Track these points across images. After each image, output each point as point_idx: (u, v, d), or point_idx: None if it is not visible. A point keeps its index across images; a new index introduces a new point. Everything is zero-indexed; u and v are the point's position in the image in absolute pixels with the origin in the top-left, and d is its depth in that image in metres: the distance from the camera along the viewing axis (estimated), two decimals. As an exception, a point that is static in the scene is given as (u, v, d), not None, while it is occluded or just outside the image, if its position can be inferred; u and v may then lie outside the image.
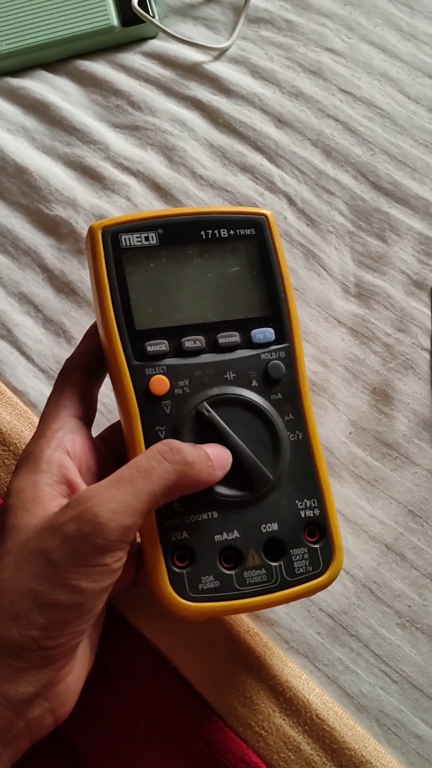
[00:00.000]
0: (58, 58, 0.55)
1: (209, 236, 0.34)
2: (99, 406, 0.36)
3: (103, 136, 0.51)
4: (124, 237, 0.33)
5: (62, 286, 0.47)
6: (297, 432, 0.33)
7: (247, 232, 0.35)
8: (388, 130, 0.51)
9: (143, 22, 0.54)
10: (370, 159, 0.50)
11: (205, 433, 0.31)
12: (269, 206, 0.49)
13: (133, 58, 0.55)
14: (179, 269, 0.34)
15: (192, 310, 0.33)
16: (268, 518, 0.32)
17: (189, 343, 0.33)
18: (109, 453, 0.34)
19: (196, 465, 0.29)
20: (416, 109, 0.52)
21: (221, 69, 0.54)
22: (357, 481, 0.42)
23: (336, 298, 0.46)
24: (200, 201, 0.49)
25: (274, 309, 0.34)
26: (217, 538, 0.31)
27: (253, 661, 0.36)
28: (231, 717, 0.35)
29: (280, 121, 0.52)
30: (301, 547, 0.32)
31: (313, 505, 0.33)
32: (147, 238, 0.34)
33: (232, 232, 0.35)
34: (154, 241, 0.34)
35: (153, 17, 0.54)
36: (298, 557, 0.32)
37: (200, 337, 0.33)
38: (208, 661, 0.36)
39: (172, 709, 0.35)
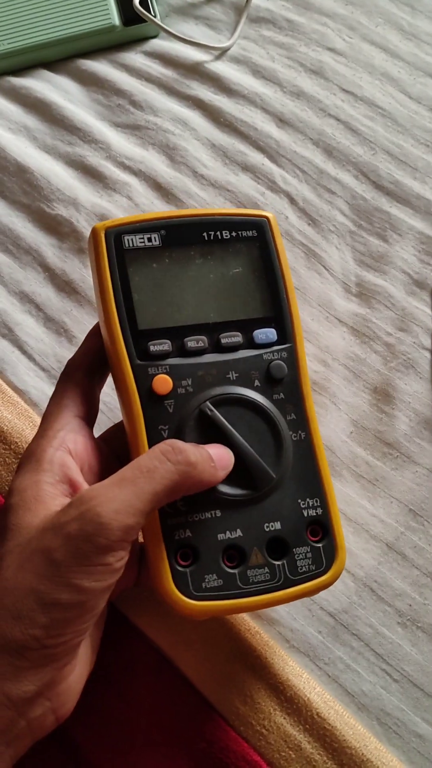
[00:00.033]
0: (59, 57, 0.55)
1: (211, 237, 0.34)
2: (100, 406, 0.36)
3: (105, 136, 0.51)
4: (126, 238, 0.33)
5: (63, 285, 0.47)
6: (299, 431, 0.33)
7: (249, 233, 0.35)
8: (389, 130, 0.51)
9: (145, 21, 0.54)
10: (371, 159, 0.50)
11: (208, 432, 0.32)
12: (270, 206, 0.49)
13: (134, 57, 0.55)
14: (182, 270, 0.34)
15: (194, 310, 0.34)
16: (271, 517, 0.32)
17: (192, 343, 0.33)
18: (111, 453, 0.34)
19: (199, 465, 0.29)
20: (417, 109, 0.52)
21: (222, 68, 0.54)
22: (358, 481, 0.42)
23: (337, 297, 0.46)
24: (201, 200, 0.49)
25: (276, 310, 0.34)
26: (221, 536, 0.31)
27: (254, 660, 0.36)
28: (232, 716, 0.35)
29: (281, 121, 0.52)
30: (304, 546, 0.32)
31: (315, 504, 0.33)
32: (150, 239, 0.34)
33: (234, 234, 0.35)
34: (157, 242, 0.34)
35: (154, 16, 0.54)
36: (300, 556, 0.32)
37: (203, 337, 0.33)
38: (209, 660, 0.36)
39: (173, 708, 0.35)
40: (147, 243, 0.34)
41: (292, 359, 0.34)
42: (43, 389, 0.44)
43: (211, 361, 0.33)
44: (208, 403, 0.32)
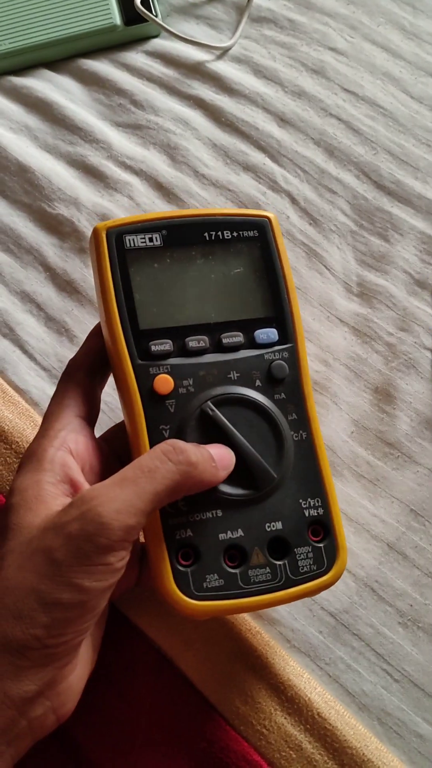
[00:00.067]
0: (60, 57, 0.55)
1: (213, 238, 0.35)
2: (101, 406, 0.36)
3: (106, 135, 0.51)
4: (128, 238, 0.33)
5: (64, 285, 0.47)
6: (300, 431, 0.33)
7: (251, 234, 0.35)
8: (390, 130, 0.51)
9: (146, 21, 0.54)
10: (372, 158, 0.50)
11: (210, 432, 0.32)
12: (272, 205, 0.49)
13: (135, 57, 0.55)
14: (183, 270, 0.34)
15: (196, 310, 0.34)
16: (272, 517, 0.32)
17: (193, 342, 0.33)
18: (112, 453, 0.34)
19: (200, 465, 0.29)
20: (419, 109, 0.52)
21: (224, 68, 0.54)
22: (359, 480, 0.42)
23: (338, 297, 0.46)
24: (203, 200, 0.49)
25: (278, 310, 0.34)
26: (222, 536, 0.31)
27: (255, 660, 0.36)
28: (232, 716, 0.35)
29: (282, 120, 0.52)
30: (305, 546, 0.32)
31: (317, 504, 0.33)
32: (151, 239, 0.34)
33: (235, 234, 0.35)
34: (158, 242, 0.34)
35: (156, 16, 0.54)
36: (302, 556, 0.32)
37: (204, 337, 0.33)
38: (210, 660, 0.36)
39: (173, 708, 0.35)
40: (148, 243, 0.34)
41: (294, 359, 0.34)
42: (44, 389, 0.44)
43: (213, 361, 0.33)
44: (209, 402, 0.32)
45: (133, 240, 0.33)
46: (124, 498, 0.27)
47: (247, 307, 0.34)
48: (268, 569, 0.31)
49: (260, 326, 0.34)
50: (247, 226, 0.35)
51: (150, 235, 0.34)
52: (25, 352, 0.45)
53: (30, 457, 0.31)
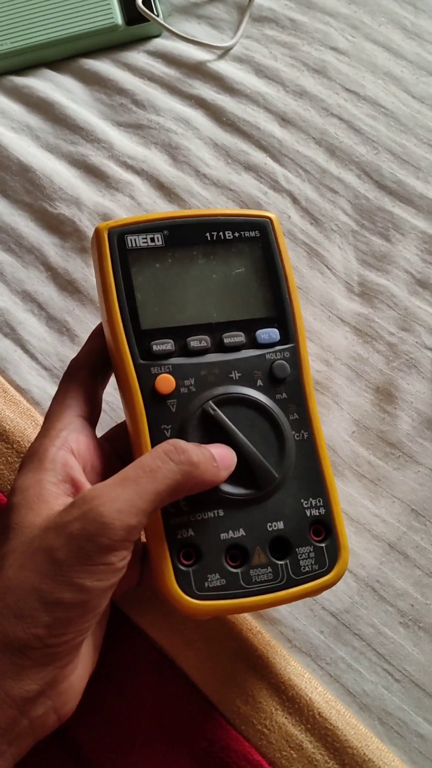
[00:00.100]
0: (62, 56, 0.55)
1: (214, 238, 0.35)
2: (103, 406, 0.36)
3: (107, 135, 0.51)
4: (130, 238, 0.33)
5: (66, 285, 0.47)
6: (302, 431, 0.33)
7: (252, 234, 0.35)
8: (392, 129, 0.51)
9: (147, 20, 0.54)
10: (374, 158, 0.50)
11: (211, 431, 0.32)
12: (273, 205, 0.49)
13: (137, 56, 0.55)
14: (184, 270, 0.34)
15: (197, 310, 0.34)
16: (273, 517, 0.32)
17: (195, 342, 0.33)
18: (114, 453, 0.34)
19: (201, 465, 0.29)
20: (420, 108, 0.52)
21: (225, 68, 0.54)
22: (360, 480, 0.42)
23: (339, 297, 0.46)
24: (204, 200, 0.49)
25: (279, 310, 0.35)
26: (223, 536, 0.31)
27: (256, 660, 0.36)
28: (233, 715, 0.35)
29: (284, 120, 0.52)
30: (307, 545, 0.32)
31: (318, 504, 0.33)
32: (153, 239, 0.34)
33: (237, 234, 0.35)
34: (160, 242, 0.34)
35: (157, 16, 0.54)
36: (303, 556, 0.32)
37: (206, 337, 0.33)
38: (211, 660, 0.36)
39: (174, 708, 0.35)
40: (150, 243, 0.34)
41: (295, 359, 0.34)
42: (45, 388, 0.44)
43: (214, 361, 0.33)
44: (210, 402, 0.32)
45: (135, 240, 0.33)
46: (125, 498, 0.27)
47: (248, 307, 0.34)
48: (269, 569, 0.31)
49: (262, 326, 0.34)
50: (249, 227, 0.35)
51: (152, 235, 0.34)
52: (26, 351, 0.45)
53: (31, 456, 0.31)
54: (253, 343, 0.34)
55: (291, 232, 0.48)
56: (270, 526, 0.32)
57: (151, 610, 0.37)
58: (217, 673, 0.36)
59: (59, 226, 0.48)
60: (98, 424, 0.35)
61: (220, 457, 0.30)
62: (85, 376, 0.34)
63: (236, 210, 0.37)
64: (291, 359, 0.34)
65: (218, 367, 0.33)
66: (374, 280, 0.47)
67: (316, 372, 0.44)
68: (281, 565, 0.32)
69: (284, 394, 0.33)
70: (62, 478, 0.30)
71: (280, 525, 0.32)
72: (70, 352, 0.45)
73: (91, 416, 0.34)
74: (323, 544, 0.32)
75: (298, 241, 0.48)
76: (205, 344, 0.33)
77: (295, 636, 0.38)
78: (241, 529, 0.31)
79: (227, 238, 0.35)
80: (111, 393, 0.38)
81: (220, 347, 0.33)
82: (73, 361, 0.35)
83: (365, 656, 0.38)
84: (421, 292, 0.46)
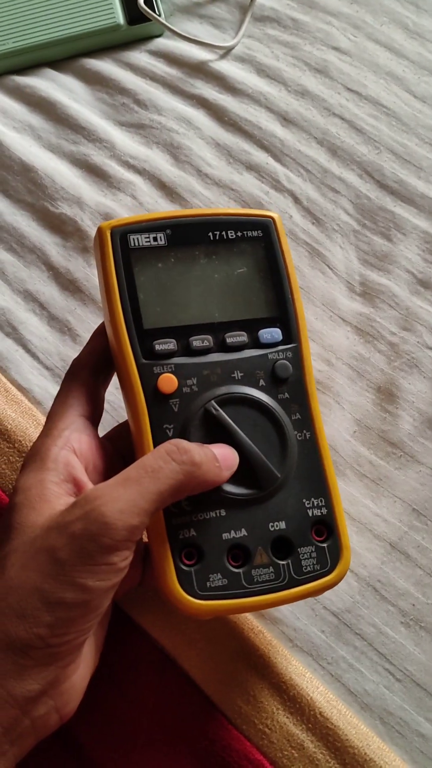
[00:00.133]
0: (64, 56, 0.55)
1: (217, 237, 0.35)
2: (105, 405, 0.36)
3: (109, 135, 0.51)
4: (132, 237, 0.33)
5: (67, 284, 0.47)
6: (304, 431, 0.33)
7: (255, 233, 0.35)
8: (393, 129, 0.51)
9: (149, 20, 0.54)
10: (375, 158, 0.50)
11: (213, 431, 0.32)
12: (274, 205, 0.49)
13: (139, 56, 0.55)
14: (187, 269, 0.34)
15: (200, 309, 0.34)
16: (275, 517, 0.32)
17: (197, 342, 0.33)
18: (116, 452, 0.34)
19: (204, 465, 0.29)
20: (422, 108, 0.52)
21: (227, 67, 0.54)
22: (361, 480, 0.42)
23: (341, 296, 0.46)
24: (206, 199, 0.49)
25: (282, 310, 0.34)
26: (225, 536, 0.31)
27: (257, 659, 0.36)
28: (235, 715, 0.35)
29: (285, 120, 0.52)
30: (309, 545, 0.32)
31: (320, 504, 0.33)
32: (155, 239, 0.34)
33: (239, 234, 0.35)
34: (163, 242, 0.34)
35: (159, 15, 0.54)
36: (305, 556, 0.32)
37: (208, 337, 0.33)
38: (212, 659, 0.36)
39: (176, 707, 0.35)
40: (152, 242, 0.34)
41: (297, 359, 0.34)
42: (47, 388, 0.44)
43: (217, 361, 0.33)
44: (213, 402, 0.32)
45: (138, 239, 0.33)
46: (127, 498, 0.27)
47: (251, 306, 0.34)
48: (271, 569, 0.31)
49: (264, 326, 0.34)
50: (251, 226, 0.35)
51: (154, 235, 0.34)
52: (27, 351, 0.45)
53: (33, 456, 0.31)
54: (256, 343, 0.34)
55: (292, 231, 0.48)
56: (272, 526, 0.32)
57: (153, 609, 0.37)
58: (219, 672, 0.36)
59: (61, 226, 0.48)
60: (100, 424, 0.35)
61: (223, 457, 0.30)
62: (87, 375, 0.34)
63: (239, 209, 0.37)
64: (293, 359, 0.34)
65: (221, 366, 0.33)
66: (376, 280, 0.47)
67: (317, 372, 0.44)
68: (283, 565, 0.32)
69: (286, 394, 0.33)
70: (64, 477, 0.30)
71: (282, 525, 0.32)
72: (72, 351, 0.45)
73: (93, 416, 0.34)
74: (325, 544, 0.32)
75: (299, 241, 0.48)
76: (208, 344, 0.33)
77: (296, 635, 0.38)
78: (243, 529, 0.31)
79: (230, 237, 0.35)
80: (112, 393, 0.38)
81: (223, 347, 0.33)
82: (75, 361, 0.35)
83: (366, 656, 0.38)
84: (423, 292, 0.46)
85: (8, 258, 0.48)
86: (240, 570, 0.31)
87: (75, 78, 0.54)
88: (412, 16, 0.55)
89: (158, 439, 0.31)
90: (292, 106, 0.52)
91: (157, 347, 0.32)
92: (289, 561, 0.32)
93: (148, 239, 0.34)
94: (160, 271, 0.33)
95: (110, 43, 0.55)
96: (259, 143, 0.51)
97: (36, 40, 0.53)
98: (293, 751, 0.35)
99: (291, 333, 0.34)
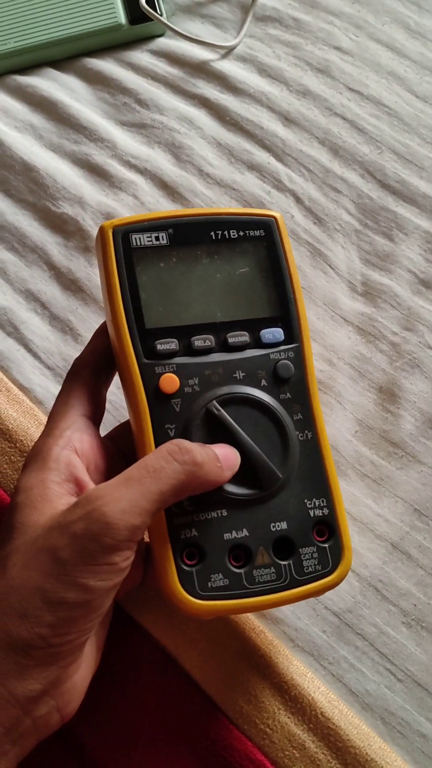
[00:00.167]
0: (65, 55, 0.55)
1: (219, 237, 0.34)
2: (106, 405, 0.36)
3: (111, 134, 0.51)
4: (134, 237, 0.33)
5: (69, 284, 0.47)
6: (306, 431, 0.33)
7: (257, 233, 0.35)
8: (395, 129, 0.51)
9: (151, 20, 0.54)
10: (377, 157, 0.50)
11: (215, 431, 0.31)
12: (276, 204, 0.49)
13: (140, 56, 0.55)
14: (189, 269, 0.34)
15: (202, 309, 0.34)
16: (277, 517, 0.32)
17: (199, 342, 0.33)
18: (118, 452, 0.34)
19: (205, 465, 0.29)
20: (424, 108, 0.52)
21: (229, 67, 0.53)
22: (363, 480, 0.42)
23: (343, 296, 0.46)
24: (207, 199, 0.49)
25: (284, 310, 0.34)
26: (227, 536, 0.31)
27: (259, 659, 0.36)
28: (236, 715, 0.35)
29: (287, 120, 0.51)
30: (310, 546, 0.32)
31: (322, 504, 0.33)
32: (157, 238, 0.34)
33: (241, 233, 0.35)
34: (165, 241, 0.34)
35: (161, 15, 0.54)
36: (307, 556, 0.32)
37: (210, 337, 0.33)
38: (214, 659, 0.36)
39: (177, 707, 0.35)
40: (154, 242, 0.34)
41: (299, 359, 0.34)
42: (48, 387, 0.44)
43: (218, 361, 0.33)
44: (214, 402, 0.32)
45: (140, 239, 0.33)
46: (129, 498, 0.27)
47: (253, 306, 0.34)
48: (272, 569, 0.31)
49: (266, 326, 0.34)
50: (254, 226, 0.35)
51: (156, 234, 0.34)
52: (29, 350, 0.45)
53: (35, 455, 0.31)
54: (258, 343, 0.34)
55: (294, 231, 0.48)
56: (273, 527, 0.32)
57: (154, 609, 0.37)
58: (220, 672, 0.36)
59: (62, 226, 0.48)
60: (101, 423, 0.35)
61: (224, 457, 0.30)
62: (88, 375, 0.34)
63: (241, 209, 0.37)
64: (295, 359, 0.34)
65: (222, 366, 0.33)
66: (377, 280, 0.47)
67: (319, 372, 0.44)
68: (284, 565, 0.31)
69: (288, 394, 0.33)
70: (66, 477, 0.30)
71: (284, 525, 0.32)
72: (73, 351, 0.45)
73: (95, 415, 0.34)
74: (326, 545, 0.32)
75: (301, 241, 0.48)
76: (210, 344, 0.33)
77: (297, 635, 0.38)
78: (244, 530, 0.31)
79: (232, 237, 0.35)
80: (114, 392, 0.38)
81: (225, 347, 0.33)
82: (77, 360, 0.35)
83: (368, 656, 0.38)
84: (425, 292, 0.46)
85: (10, 258, 0.48)
86: (241, 570, 0.31)
87: (76, 78, 0.54)
88: (414, 16, 0.55)
89: (160, 439, 0.31)
90: (293, 106, 0.52)
91: (159, 347, 0.32)
92: (291, 561, 0.32)
93: (150, 239, 0.33)
94: (162, 271, 0.33)
95: (112, 43, 0.55)
96: (261, 143, 0.51)
97: (37, 40, 0.53)
98: (294, 751, 0.35)
99: (293, 333, 0.34)
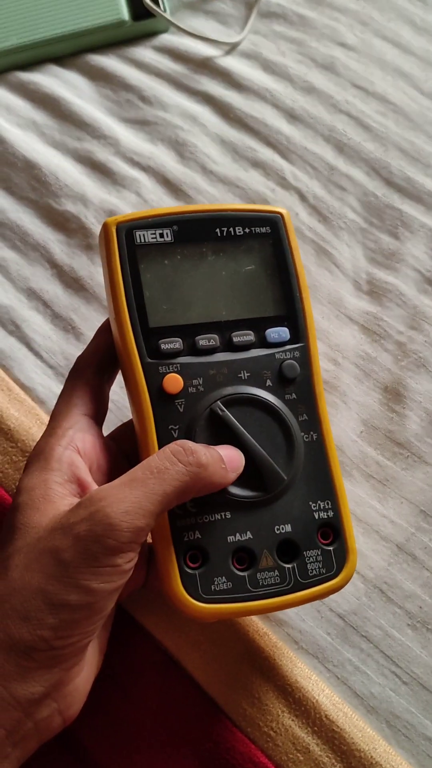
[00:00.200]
0: (68, 52, 0.54)
1: (224, 234, 0.34)
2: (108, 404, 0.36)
3: (113, 131, 0.51)
4: (138, 233, 0.33)
5: (71, 282, 0.47)
6: (311, 432, 0.33)
7: (263, 230, 0.35)
8: (401, 126, 0.51)
9: (154, 16, 0.53)
10: (382, 155, 0.50)
11: (219, 432, 0.31)
12: (281, 202, 0.49)
13: (143, 52, 0.54)
14: (194, 267, 0.33)
15: (206, 308, 0.33)
16: (281, 519, 0.31)
17: (203, 341, 0.32)
18: (120, 452, 0.34)
19: (210, 467, 0.29)
20: (429, 105, 0.51)
21: (233, 64, 0.53)
22: (368, 481, 0.41)
23: (348, 295, 0.46)
24: (211, 196, 0.49)
25: (289, 308, 0.34)
26: (230, 538, 0.31)
27: (262, 662, 0.36)
28: (239, 717, 0.35)
29: (292, 117, 0.51)
30: (315, 548, 0.32)
31: (327, 506, 0.32)
32: (162, 235, 0.33)
33: (247, 230, 0.34)
34: (169, 238, 0.33)
35: (164, 11, 0.54)
36: (311, 559, 0.31)
37: (214, 336, 0.33)
38: (217, 661, 0.36)
39: (179, 709, 0.35)
40: (159, 239, 0.33)
41: (305, 359, 0.34)
42: (50, 387, 0.44)
43: (223, 360, 0.32)
44: (219, 402, 0.31)
45: (144, 235, 0.33)
46: (132, 499, 0.27)
47: (258, 305, 0.34)
48: (276, 572, 0.31)
49: (271, 325, 0.34)
50: (260, 222, 0.35)
51: (161, 231, 0.33)
52: (31, 349, 0.45)
53: (37, 456, 0.31)
54: (263, 342, 0.33)
55: (299, 229, 0.48)
56: (277, 529, 0.31)
57: (157, 610, 0.37)
58: (223, 674, 0.36)
59: (65, 223, 0.48)
60: (104, 423, 0.35)
61: (228, 459, 0.30)
62: (91, 373, 0.34)
63: (246, 205, 0.36)
64: (301, 359, 0.33)
65: (227, 366, 0.32)
66: (383, 279, 0.46)
67: (324, 371, 0.44)
68: (288, 568, 0.31)
69: (294, 394, 0.33)
70: (68, 478, 0.30)
71: (288, 528, 0.31)
72: (75, 350, 0.45)
73: (98, 415, 0.34)
74: (331, 548, 0.32)
75: (306, 239, 0.48)
76: (214, 343, 0.33)
77: (302, 638, 0.38)
78: (248, 532, 0.31)
79: (237, 234, 0.34)
80: (116, 391, 0.38)
81: (229, 346, 0.33)
82: (80, 359, 0.34)
83: (373, 658, 0.38)
84: (430, 291, 0.46)
85: (11, 255, 0.48)
86: (245, 573, 0.31)
87: (79, 74, 0.54)
88: (420, 12, 0.55)
89: (163, 440, 0.31)
90: (298, 103, 0.51)
91: (163, 346, 0.32)
92: (295, 564, 0.31)
93: (154, 235, 0.33)
94: (166, 268, 0.33)
95: (115, 39, 0.54)
96: (265, 140, 0.50)
97: (40, 36, 0.53)
98: (298, 755, 0.34)
99: (299, 332, 0.34)
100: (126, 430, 0.36)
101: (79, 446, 0.31)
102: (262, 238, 0.35)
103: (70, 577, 0.26)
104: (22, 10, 0.53)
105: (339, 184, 0.49)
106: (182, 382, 0.32)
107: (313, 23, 0.54)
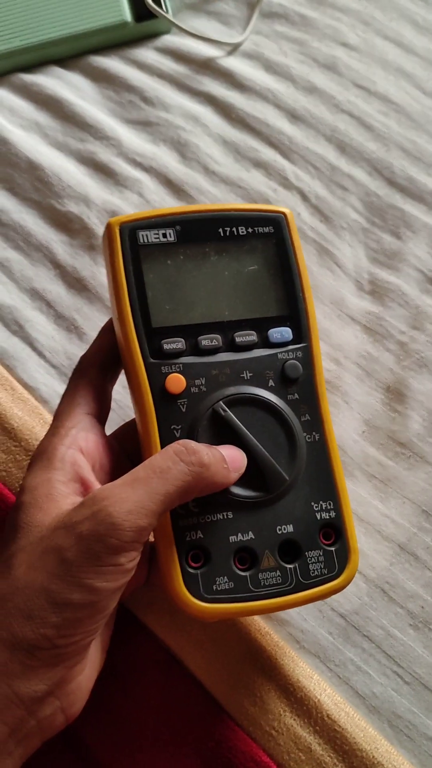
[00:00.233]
0: (70, 53, 0.54)
1: (227, 234, 0.34)
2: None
3: (116, 132, 0.51)
4: (141, 233, 0.33)
5: (74, 282, 0.47)
6: (314, 433, 0.33)
7: (266, 230, 0.35)
8: (403, 126, 0.51)
9: (156, 17, 0.53)
10: (384, 155, 0.50)
11: (221, 432, 0.31)
12: (283, 202, 0.49)
13: (146, 53, 0.54)
14: (197, 267, 0.34)
15: (209, 308, 0.33)
16: (283, 520, 0.31)
17: (206, 341, 0.32)
18: (123, 451, 0.34)
19: (212, 467, 0.29)
20: (431, 105, 0.51)
21: (235, 64, 0.53)
22: (370, 481, 0.41)
23: (349, 295, 0.46)
24: (213, 197, 0.49)
25: (292, 309, 0.34)
26: (232, 538, 0.31)
27: (265, 661, 0.36)
28: (241, 716, 0.35)
29: (293, 117, 0.51)
30: (317, 549, 0.32)
31: (329, 507, 0.32)
32: (165, 235, 0.33)
33: (250, 230, 0.34)
34: (172, 238, 0.33)
35: (166, 12, 0.54)
36: (313, 559, 0.31)
37: (217, 336, 0.33)
38: (219, 660, 0.36)
39: (182, 708, 0.35)
40: (162, 239, 0.33)
41: (307, 359, 0.34)
42: (54, 386, 0.44)
43: (225, 360, 0.32)
44: (221, 402, 0.31)
45: (147, 236, 0.33)
46: (135, 499, 0.27)
47: (261, 305, 0.34)
48: (278, 572, 0.31)
49: (274, 325, 0.34)
50: (263, 222, 0.35)
51: (164, 231, 0.33)
52: (34, 349, 0.45)
53: (40, 455, 0.31)
54: (265, 343, 0.33)
55: (301, 229, 0.48)
56: (279, 529, 0.31)
57: (159, 609, 0.37)
58: (225, 674, 0.36)
59: (67, 224, 0.48)
60: (107, 422, 0.35)
61: (231, 459, 0.30)
62: (94, 373, 0.34)
63: (249, 205, 0.36)
64: (303, 359, 0.33)
65: (229, 366, 0.32)
66: (385, 279, 0.46)
67: (326, 371, 0.44)
68: (290, 568, 0.31)
69: (296, 394, 0.33)
70: (71, 477, 0.30)
71: (290, 528, 0.31)
72: (78, 350, 0.45)
73: (101, 414, 0.34)
74: (333, 548, 0.32)
75: (308, 239, 0.48)
76: (217, 343, 0.33)
77: (304, 637, 0.38)
78: (250, 532, 0.31)
79: (240, 234, 0.34)
80: (119, 391, 0.38)
81: (232, 346, 0.33)
82: (83, 358, 0.35)
83: (375, 658, 0.38)
84: (432, 291, 0.46)
85: (15, 256, 0.48)
86: (247, 573, 0.31)
87: (82, 75, 0.54)
88: (422, 12, 0.55)
89: (166, 440, 0.31)
90: (300, 103, 0.52)
91: (166, 346, 0.32)
92: (297, 565, 0.31)
93: (157, 235, 0.33)
94: (169, 268, 0.33)
95: (117, 41, 0.54)
96: (267, 140, 0.50)
97: (43, 38, 0.53)
98: (300, 754, 0.34)
99: (301, 332, 0.34)
100: (128, 429, 0.36)
101: (82, 445, 0.31)
102: (265, 238, 0.35)
103: (73, 576, 0.26)
104: (25, 12, 0.53)
105: (341, 184, 0.49)
106: (185, 382, 0.32)
107: (314, 23, 0.54)
